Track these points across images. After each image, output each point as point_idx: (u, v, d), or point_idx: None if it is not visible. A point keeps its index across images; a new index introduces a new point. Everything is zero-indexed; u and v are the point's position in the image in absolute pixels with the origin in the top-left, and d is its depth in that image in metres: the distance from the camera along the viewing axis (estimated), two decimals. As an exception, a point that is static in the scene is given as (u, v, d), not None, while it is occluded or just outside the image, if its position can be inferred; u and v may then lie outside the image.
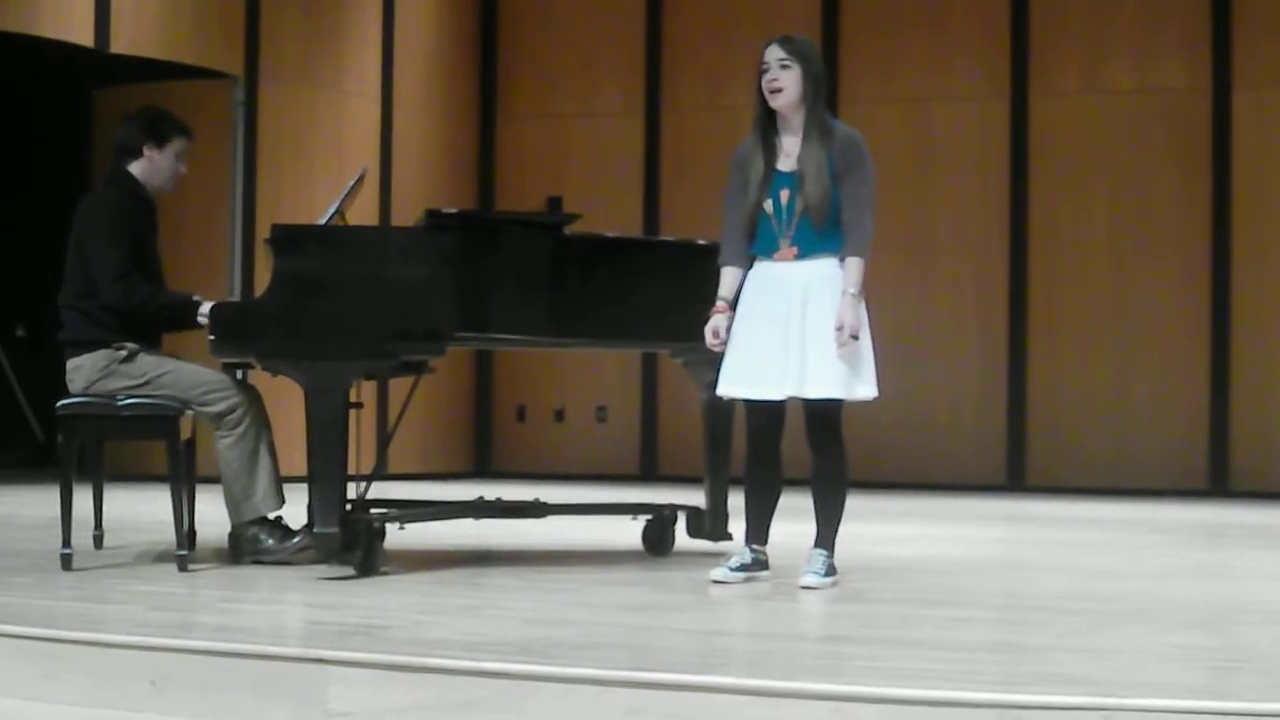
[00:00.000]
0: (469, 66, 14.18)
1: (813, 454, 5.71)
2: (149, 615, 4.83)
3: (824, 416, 5.66)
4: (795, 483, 5.85)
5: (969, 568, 6.69)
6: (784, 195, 5.64)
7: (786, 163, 5.67)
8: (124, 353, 6.03)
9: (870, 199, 5.62)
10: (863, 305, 5.60)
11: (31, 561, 6.14)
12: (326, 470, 5.77)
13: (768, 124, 5.71)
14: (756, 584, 5.76)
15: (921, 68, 13.25)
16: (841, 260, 5.59)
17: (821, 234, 5.61)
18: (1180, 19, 12.72)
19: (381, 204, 12.97)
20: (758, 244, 5.72)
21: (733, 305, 5.72)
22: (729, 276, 5.75)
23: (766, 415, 5.75)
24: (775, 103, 5.66)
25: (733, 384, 5.72)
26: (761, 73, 5.67)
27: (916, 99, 13.23)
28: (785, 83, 5.64)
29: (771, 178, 5.66)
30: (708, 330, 5.71)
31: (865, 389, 5.61)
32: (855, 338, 5.52)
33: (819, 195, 5.57)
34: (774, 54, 5.67)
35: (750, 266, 5.75)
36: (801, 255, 5.62)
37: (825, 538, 5.74)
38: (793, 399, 5.64)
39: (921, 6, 13.31)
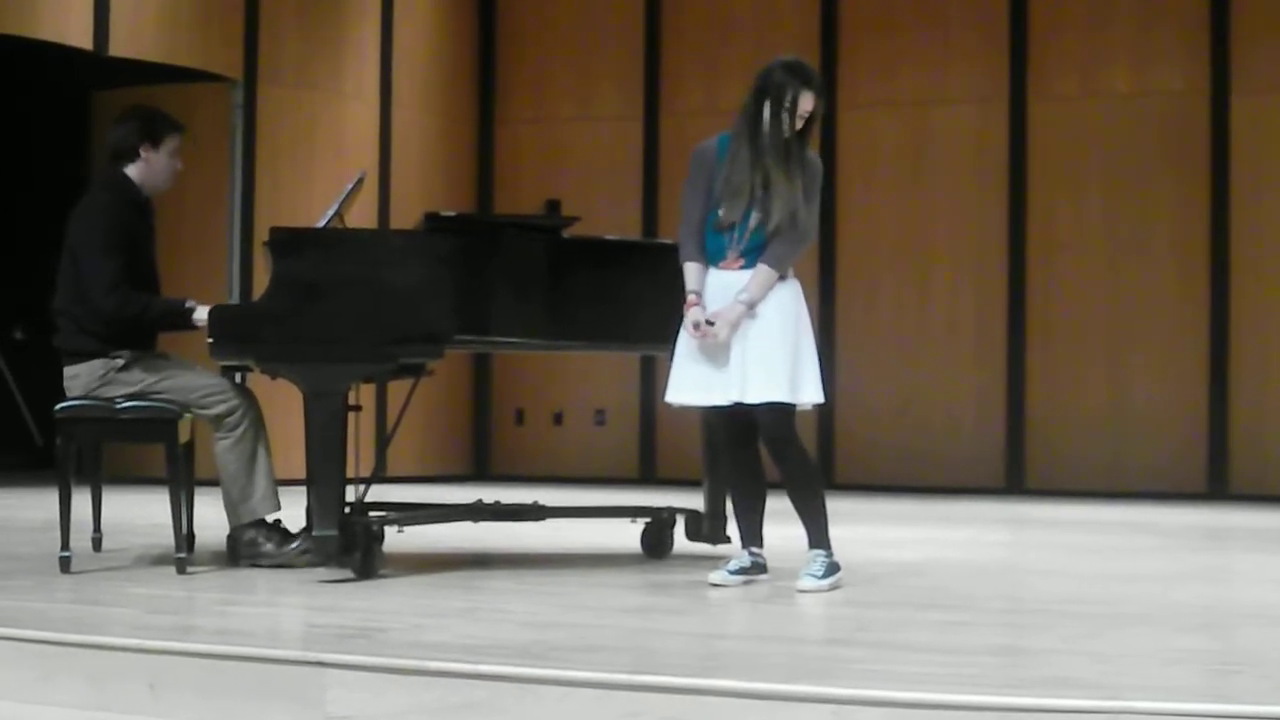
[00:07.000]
0: (468, 69, 14.18)
1: (774, 463, 5.73)
2: (147, 618, 4.82)
3: (769, 424, 5.66)
4: (780, 486, 5.84)
5: (968, 571, 6.69)
6: (753, 217, 5.66)
7: None
8: (120, 361, 6.01)
9: (816, 225, 5.74)
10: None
11: (30, 564, 6.14)
12: (325, 473, 5.77)
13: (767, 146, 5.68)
14: (755, 587, 5.76)
15: (919, 72, 13.22)
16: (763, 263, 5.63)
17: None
18: (1178, 22, 12.69)
19: (380, 207, 12.96)
20: (705, 252, 5.76)
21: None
22: (693, 271, 5.78)
23: (729, 420, 5.76)
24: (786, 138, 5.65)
25: (680, 391, 5.77)
26: (802, 116, 5.65)
27: (915, 103, 13.22)
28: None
29: (753, 200, 5.66)
30: (688, 323, 5.72)
31: (809, 393, 5.66)
32: (716, 332, 5.57)
33: (787, 218, 5.62)
34: (816, 106, 5.68)
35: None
36: (747, 265, 5.69)
37: (816, 537, 5.76)
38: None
39: (920, 10, 13.29)
